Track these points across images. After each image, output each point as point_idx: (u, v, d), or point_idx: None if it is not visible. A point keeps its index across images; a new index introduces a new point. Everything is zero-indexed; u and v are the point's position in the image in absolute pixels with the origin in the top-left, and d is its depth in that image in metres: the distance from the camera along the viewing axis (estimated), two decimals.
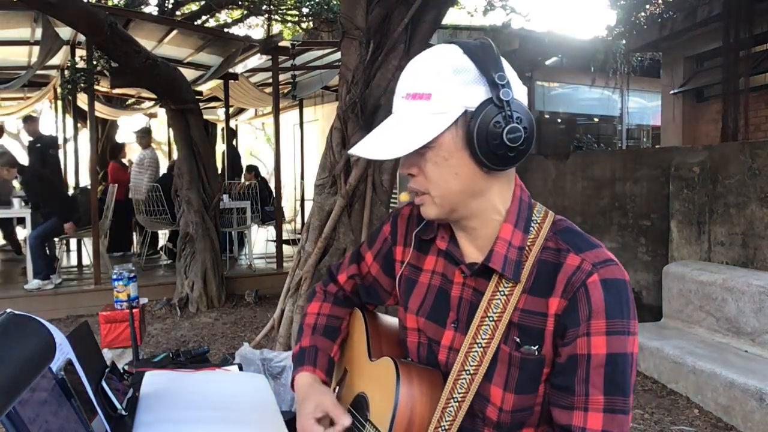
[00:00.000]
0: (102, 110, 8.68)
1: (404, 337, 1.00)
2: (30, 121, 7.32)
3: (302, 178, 9.21)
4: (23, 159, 7.98)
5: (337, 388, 1.12)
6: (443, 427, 0.87)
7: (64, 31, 5.47)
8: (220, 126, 10.08)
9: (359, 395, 1.02)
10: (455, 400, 0.86)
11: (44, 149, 6.57)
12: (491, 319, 0.85)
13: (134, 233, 7.84)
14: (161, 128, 14.40)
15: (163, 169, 7.90)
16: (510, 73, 0.82)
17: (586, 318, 0.79)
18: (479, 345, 0.85)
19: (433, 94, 0.80)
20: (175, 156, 7.27)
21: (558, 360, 0.82)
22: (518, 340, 0.84)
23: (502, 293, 0.85)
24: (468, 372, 0.86)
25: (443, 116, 0.80)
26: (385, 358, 0.97)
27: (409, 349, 0.99)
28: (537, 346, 0.83)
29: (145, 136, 7.47)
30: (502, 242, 0.86)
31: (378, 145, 0.83)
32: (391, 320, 1.13)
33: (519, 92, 0.82)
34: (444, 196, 0.84)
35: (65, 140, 8.18)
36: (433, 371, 0.92)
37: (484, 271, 0.87)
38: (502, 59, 0.82)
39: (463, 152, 0.81)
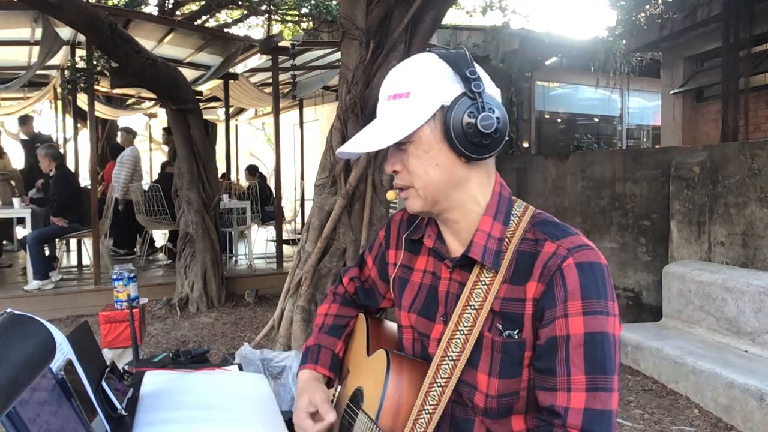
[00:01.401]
0: (102, 110, 8.68)
1: (400, 335, 1.05)
2: (26, 121, 7.33)
3: (302, 178, 9.21)
4: (22, 159, 8.02)
5: (339, 387, 1.15)
6: (427, 411, 0.90)
7: (64, 31, 5.47)
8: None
9: (357, 389, 1.06)
10: (438, 384, 0.90)
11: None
12: (473, 307, 0.89)
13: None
14: (161, 128, 14.37)
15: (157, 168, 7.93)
16: (483, 74, 0.88)
17: (563, 300, 0.82)
18: (461, 332, 0.89)
19: (412, 92, 0.87)
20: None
21: (538, 343, 0.85)
22: (500, 326, 0.87)
23: (483, 283, 0.89)
24: (450, 358, 0.90)
25: (421, 111, 0.86)
26: (380, 350, 1.00)
27: (405, 347, 1.03)
28: (517, 330, 0.86)
29: (126, 135, 7.54)
30: (481, 234, 0.90)
31: (361, 141, 0.89)
32: (391, 324, 1.17)
33: (490, 88, 0.88)
34: (427, 187, 0.89)
35: (65, 140, 8.19)
36: (424, 363, 0.96)
37: (466, 262, 0.91)
38: (478, 67, 0.88)
39: (442, 144, 0.87)
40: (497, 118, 0.85)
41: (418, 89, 0.86)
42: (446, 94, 0.85)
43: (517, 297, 0.86)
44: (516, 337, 0.86)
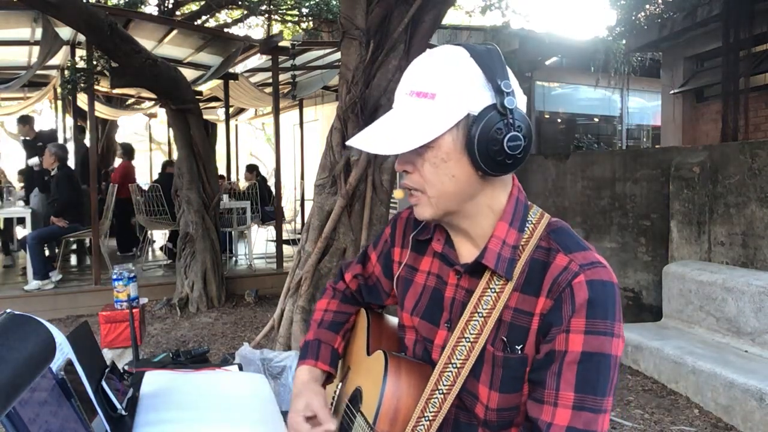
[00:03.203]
0: (102, 110, 8.68)
1: (402, 335, 1.03)
2: (27, 122, 7.32)
3: (302, 178, 9.21)
4: (23, 159, 8.01)
5: (340, 384, 1.14)
6: (427, 418, 0.88)
7: (64, 31, 5.47)
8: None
9: (356, 389, 1.05)
10: (440, 392, 0.88)
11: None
12: (480, 315, 0.86)
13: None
14: (161, 128, 14.38)
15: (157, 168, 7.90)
16: (513, 81, 0.82)
17: (569, 316, 0.80)
18: (467, 340, 0.87)
19: (438, 94, 0.81)
20: (175, 156, 7.26)
21: (537, 357, 0.83)
22: (505, 339, 0.85)
23: (492, 290, 0.86)
24: (454, 365, 0.87)
25: (446, 118, 0.81)
26: (378, 351, 0.99)
27: (406, 347, 1.01)
28: (521, 345, 0.84)
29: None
30: (496, 240, 0.87)
31: (378, 139, 0.84)
32: (393, 320, 1.15)
33: (520, 101, 0.83)
34: (440, 197, 0.85)
35: (65, 140, 8.18)
36: (423, 365, 0.94)
37: (477, 269, 0.89)
38: (509, 74, 0.83)
39: (462, 155, 0.82)
40: (524, 136, 0.81)
41: (445, 92, 0.80)
42: (474, 102, 0.80)
43: (526, 309, 0.84)
44: (519, 352, 0.84)
